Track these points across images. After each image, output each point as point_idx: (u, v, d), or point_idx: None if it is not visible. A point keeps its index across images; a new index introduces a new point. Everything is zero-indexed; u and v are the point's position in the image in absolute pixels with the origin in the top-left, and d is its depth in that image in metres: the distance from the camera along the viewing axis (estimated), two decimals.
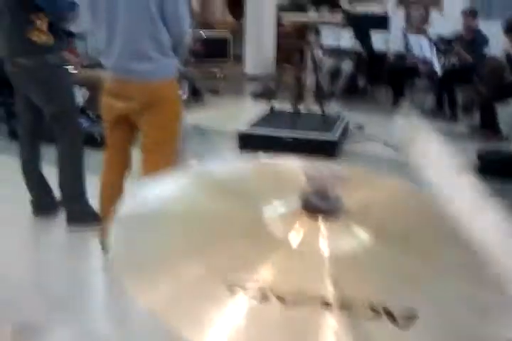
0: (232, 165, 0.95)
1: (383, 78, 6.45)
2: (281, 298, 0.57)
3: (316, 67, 5.22)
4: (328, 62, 6.96)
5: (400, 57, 6.37)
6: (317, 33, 6.38)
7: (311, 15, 6.22)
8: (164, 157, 2.48)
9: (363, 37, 6.74)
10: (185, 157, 2.93)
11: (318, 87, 5.21)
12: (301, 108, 5.17)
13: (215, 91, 6.65)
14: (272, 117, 5.04)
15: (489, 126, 5.14)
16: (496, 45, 5.62)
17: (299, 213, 0.68)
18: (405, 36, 6.42)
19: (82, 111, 4.40)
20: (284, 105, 5.28)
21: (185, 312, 0.57)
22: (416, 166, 0.69)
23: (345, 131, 4.87)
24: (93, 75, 4.19)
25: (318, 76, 5.20)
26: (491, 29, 5.75)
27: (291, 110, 5.03)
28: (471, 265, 0.65)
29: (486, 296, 0.62)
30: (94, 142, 3.87)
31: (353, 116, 5.28)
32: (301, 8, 7.57)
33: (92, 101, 4.19)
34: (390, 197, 0.83)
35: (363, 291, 0.60)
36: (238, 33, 7.82)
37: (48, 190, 3.09)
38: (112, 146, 2.60)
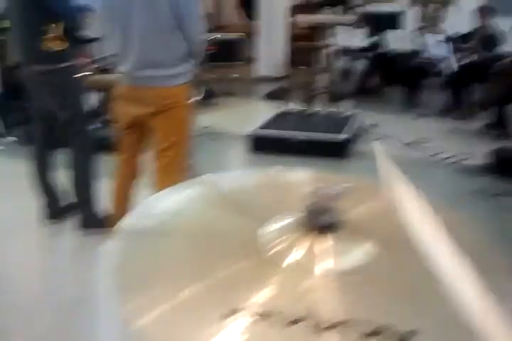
0: (241, 177, 0.97)
1: (398, 77, 6.39)
2: (280, 318, 0.57)
3: (330, 68, 5.21)
4: (341, 63, 6.93)
5: (415, 56, 6.30)
6: (332, 33, 6.36)
7: (326, 16, 6.21)
8: (176, 158, 2.52)
9: (377, 36, 6.70)
10: (196, 159, 2.94)
11: (332, 87, 5.20)
12: (314, 108, 5.16)
13: (230, 94, 6.67)
14: (284, 118, 5.04)
15: (504, 124, 5.07)
16: None
17: (301, 229, 0.68)
18: (421, 34, 6.36)
19: (97, 115, 4.45)
20: (297, 106, 5.28)
21: (181, 333, 0.57)
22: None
23: (358, 131, 4.85)
24: (108, 79, 4.24)
25: (332, 76, 5.19)
26: (508, 26, 5.67)
27: (304, 111, 5.03)
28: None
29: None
30: (108, 146, 3.91)
31: (366, 115, 5.25)
32: (315, 9, 7.57)
33: (107, 105, 4.24)
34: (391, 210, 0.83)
35: (362, 310, 0.59)
36: (252, 35, 7.82)
37: (59, 195, 3.12)
38: (124, 151, 2.65)
